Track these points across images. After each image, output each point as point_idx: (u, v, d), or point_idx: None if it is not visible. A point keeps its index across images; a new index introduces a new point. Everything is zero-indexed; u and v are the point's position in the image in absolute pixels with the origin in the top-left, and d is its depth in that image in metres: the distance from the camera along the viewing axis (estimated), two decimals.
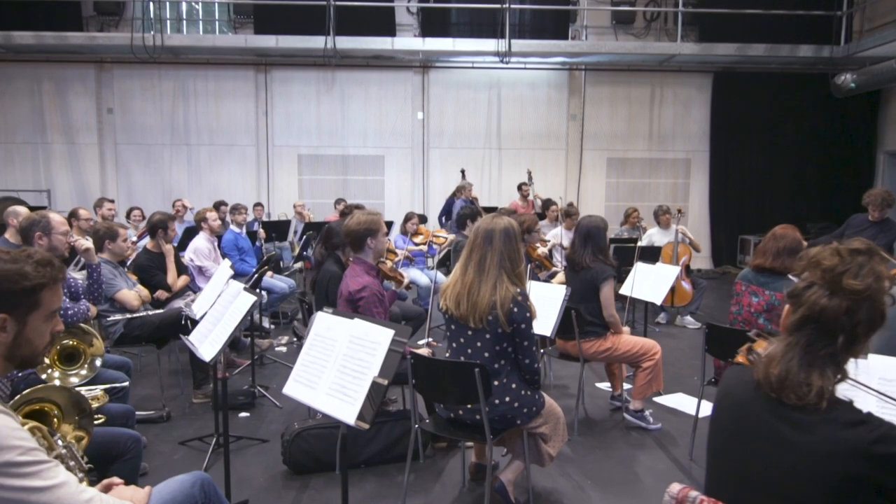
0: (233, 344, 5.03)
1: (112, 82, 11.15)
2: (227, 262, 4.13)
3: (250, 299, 2.82)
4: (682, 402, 4.70)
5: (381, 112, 11.50)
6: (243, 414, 4.50)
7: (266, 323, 6.55)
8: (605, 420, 4.40)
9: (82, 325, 3.45)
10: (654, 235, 7.34)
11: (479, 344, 2.91)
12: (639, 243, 7.10)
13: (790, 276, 3.57)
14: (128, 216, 8.04)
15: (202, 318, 3.23)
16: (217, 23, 11.37)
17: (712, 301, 8.27)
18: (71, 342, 3.40)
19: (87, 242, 3.68)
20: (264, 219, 9.91)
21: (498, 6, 10.23)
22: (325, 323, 2.41)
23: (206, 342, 2.88)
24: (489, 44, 10.21)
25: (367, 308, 3.52)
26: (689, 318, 7.10)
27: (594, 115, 11.46)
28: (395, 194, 11.57)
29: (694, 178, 11.56)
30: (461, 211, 6.22)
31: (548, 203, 8.29)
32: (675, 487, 1.62)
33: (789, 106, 10.96)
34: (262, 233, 7.32)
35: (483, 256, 2.87)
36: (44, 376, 3.26)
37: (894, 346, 2.34)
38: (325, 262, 4.39)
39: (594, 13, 11.07)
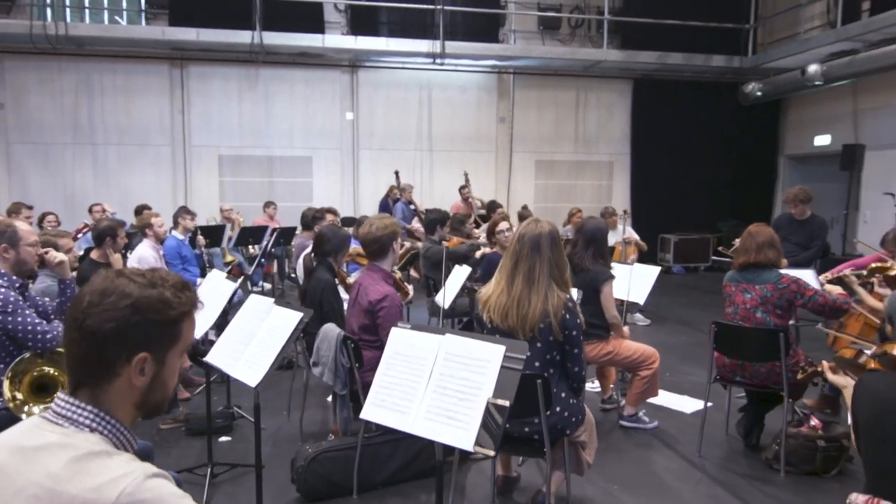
0: (192, 358, 4.59)
1: (3, 75, 10.01)
2: (219, 273, 3.75)
3: (293, 316, 2.56)
4: (667, 398, 4.80)
5: (307, 112, 11.08)
6: (224, 438, 4.13)
7: (212, 336, 6.07)
8: (602, 422, 4.41)
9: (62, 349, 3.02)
10: None
11: (528, 353, 2.80)
12: None
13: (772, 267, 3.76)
14: (40, 222, 7.22)
15: (215, 336, 2.91)
16: (125, 13, 10.51)
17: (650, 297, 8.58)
18: (52, 371, 2.96)
19: (60, 254, 3.21)
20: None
21: (430, 7, 10.16)
22: (404, 340, 2.22)
23: (240, 365, 2.57)
24: (423, 44, 10.12)
25: (387, 319, 3.32)
26: (638, 316, 7.33)
27: (523, 118, 11.64)
28: (325, 196, 11.14)
29: (616, 179, 12.02)
30: (430, 215, 6.07)
31: (493, 205, 8.30)
32: (860, 499, 1.60)
33: (702, 112, 11.62)
34: (202, 239, 6.79)
35: (532, 266, 2.76)
36: (22, 415, 2.82)
37: None
38: (317, 270, 4.12)
39: (522, 18, 11.25)
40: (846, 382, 1.95)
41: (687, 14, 10.50)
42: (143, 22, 10.44)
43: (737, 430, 4.04)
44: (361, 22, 10.65)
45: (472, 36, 10.65)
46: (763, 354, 3.61)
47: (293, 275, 9.55)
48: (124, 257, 5.50)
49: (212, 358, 2.76)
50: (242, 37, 9.51)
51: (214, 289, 3.47)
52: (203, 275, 6.69)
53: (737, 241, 6.14)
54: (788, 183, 11.81)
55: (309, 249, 5.15)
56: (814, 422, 3.65)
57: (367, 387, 3.34)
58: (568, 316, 2.78)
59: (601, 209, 7.69)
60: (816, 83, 9.60)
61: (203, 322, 3.29)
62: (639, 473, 3.65)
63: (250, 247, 9.04)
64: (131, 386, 1.23)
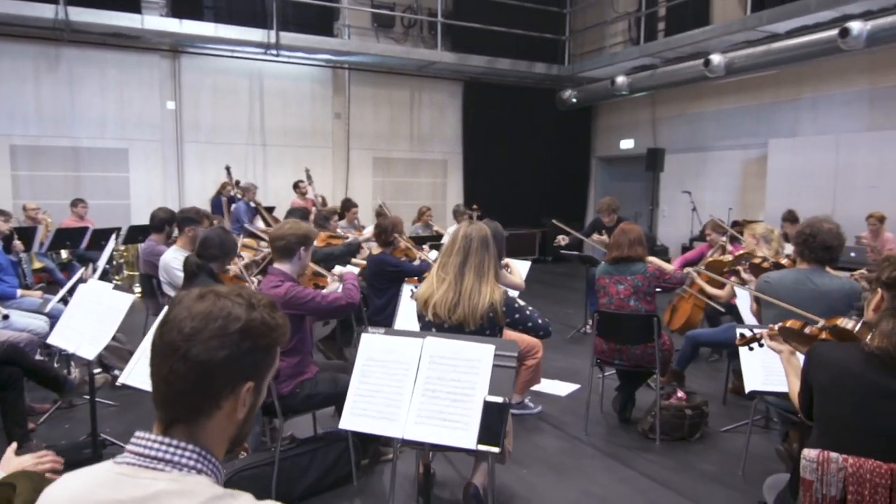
0: (52, 384, 4.00)
1: None
2: (103, 284, 3.27)
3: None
4: (542, 384, 5.12)
5: (122, 99, 10.00)
6: None
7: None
8: None
9: None
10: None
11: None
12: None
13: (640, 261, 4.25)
14: None
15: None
16: None
17: None
18: None
19: None
20: None
21: None
22: (379, 346, 2.17)
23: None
24: (256, 33, 9.64)
25: (303, 296, 3.19)
26: None
27: (359, 115, 11.59)
28: (144, 193, 10.19)
29: (450, 177, 12.47)
30: (294, 215, 5.82)
31: (348, 203, 8.18)
32: (812, 453, 1.89)
33: (525, 115, 12.46)
34: (19, 244, 5.85)
35: (482, 261, 2.88)
36: None
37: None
38: (199, 275, 3.79)
39: (356, 14, 11.18)
40: (782, 348, 2.30)
41: (512, 22, 11.17)
42: None
43: (612, 407, 4.47)
44: (182, 4, 9.83)
45: (305, 28, 10.35)
46: (639, 337, 4.04)
47: (115, 279, 8.62)
48: None
49: (138, 382, 2.45)
50: (43, 10, 8.31)
51: (99, 302, 3.04)
52: (22, 285, 5.80)
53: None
54: (599, 182, 13.16)
55: (170, 253, 4.72)
56: (680, 394, 4.17)
57: (282, 398, 3.21)
58: (504, 309, 2.91)
59: (454, 207, 7.95)
60: (623, 93, 10.80)
61: (96, 342, 2.87)
62: (539, 456, 3.89)
63: (62, 251, 7.97)
64: (231, 419, 1.10)
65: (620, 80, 10.65)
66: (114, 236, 5.85)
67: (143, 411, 4.45)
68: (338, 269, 3.71)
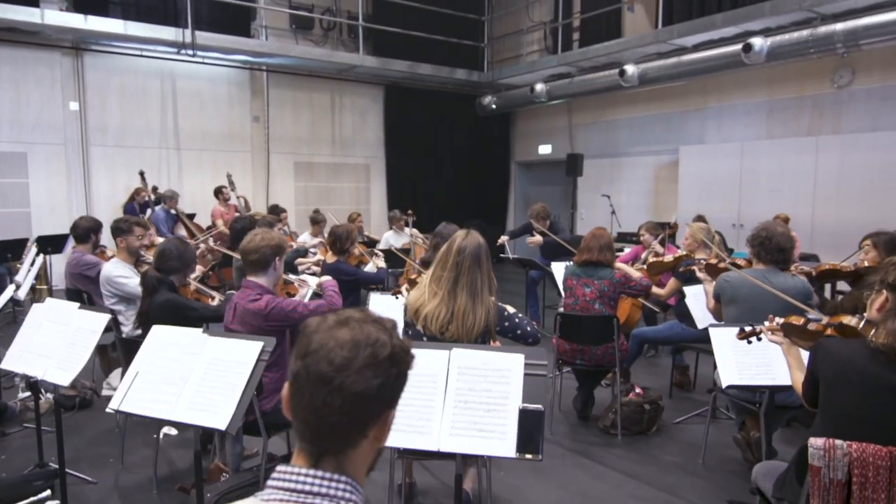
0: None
1: None
2: (67, 304, 2.99)
3: (248, 346, 2.26)
4: None
5: (18, 99, 9.22)
6: (51, 503, 3.36)
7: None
8: None
9: None
10: (390, 238, 7.77)
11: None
12: (378, 246, 7.44)
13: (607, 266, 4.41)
14: None
15: None
16: None
17: None
18: None
19: None
20: None
21: None
22: None
23: (192, 411, 2.19)
24: (168, 32, 9.17)
25: (286, 306, 3.10)
26: None
27: (279, 118, 11.28)
28: (46, 201, 9.45)
29: (373, 182, 12.38)
30: (236, 225, 5.58)
31: (276, 209, 7.93)
32: (819, 441, 2.06)
33: (446, 120, 12.59)
34: None
35: (474, 280, 2.82)
36: None
37: (745, 318, 3.22)
38: (159, 290, 3.59)
39: (274, 15, 10.88)
40: (782, 341, 2.49)
41: (432, 27, 11.24)
42: None
43: (573, 406, 4.62)
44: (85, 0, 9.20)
45: (220, 27, 9.96)
46: (601, 338, 4.21)
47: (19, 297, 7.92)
48: None
49: (135, 407, 2.28)
50: None
51: (66, 323, 2.80)
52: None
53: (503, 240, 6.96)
54: (519, 186, 13.51)
55: (112, 267, 4.44)
56: (637, 390, 4.38)
57: (265, 415, 3.11)
58: (498, 316, 2.95)
59: (389, 214, 7.91)
60: (542, 100, 11.15)
61: (69, 367, 2.65)
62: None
63: None
64: (373, 447, 1.09)
65: (539, 87, 10.97)
66: (34, 248, 5.37)
67: (87, 437, 4.15)
68: (313, 279, 3.63)
